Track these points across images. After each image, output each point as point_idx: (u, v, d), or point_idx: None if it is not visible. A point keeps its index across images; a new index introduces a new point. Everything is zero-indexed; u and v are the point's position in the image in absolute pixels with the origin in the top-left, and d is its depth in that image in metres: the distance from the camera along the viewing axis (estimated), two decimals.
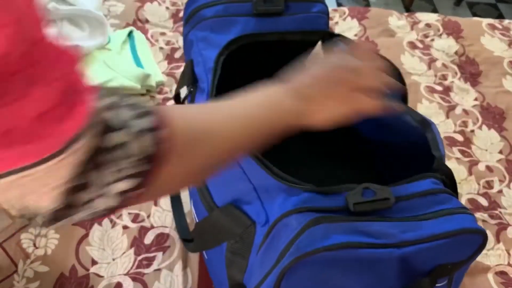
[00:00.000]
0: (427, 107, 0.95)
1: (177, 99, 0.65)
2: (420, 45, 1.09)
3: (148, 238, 0.70)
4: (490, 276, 0.71)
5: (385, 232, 0.40)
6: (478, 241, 0.43)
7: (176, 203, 0.69)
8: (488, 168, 0.86)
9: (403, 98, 0.65)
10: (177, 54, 1.00)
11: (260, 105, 0.38)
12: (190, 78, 0.62)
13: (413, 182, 0.45)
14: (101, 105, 0.24)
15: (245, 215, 0.48)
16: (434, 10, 2.07)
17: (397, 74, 0.64)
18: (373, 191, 0.42)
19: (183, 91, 0.65)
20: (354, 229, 0.40)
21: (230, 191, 0.51)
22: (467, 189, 0.82)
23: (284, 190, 0.45)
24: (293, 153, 0.74)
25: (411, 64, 1.04)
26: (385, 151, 0.65)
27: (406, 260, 0.42)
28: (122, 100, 0.26)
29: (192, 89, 0.61)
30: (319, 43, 0.65)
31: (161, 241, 0.70)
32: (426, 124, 0.52)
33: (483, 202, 0.81)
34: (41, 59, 0.21)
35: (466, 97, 0.99)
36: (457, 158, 0.87)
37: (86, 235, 0.69)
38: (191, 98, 0.61)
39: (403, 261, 0.42)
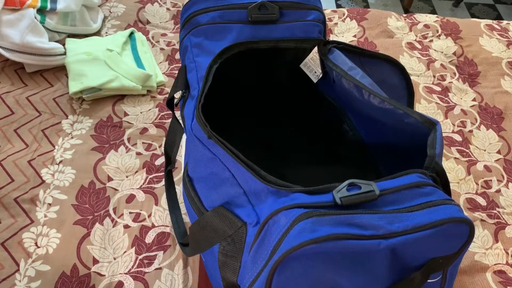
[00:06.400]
0: (425, 108, 0.96)
1: (170, 103, 0.65)
2: (418, 46, 1.10)
3: (149, 237, 0.71)
4: (489, 275, 0.71)
5: (372, 224, 0.40)
6: (466, 232, 0.44)
7: (173, 208, 0.70)
8: (487, 168, 0.87)
9: (409, 99, 0.66)
10: (178, 55, 1.01)
11: None
12: (182, 84, 0.62)
13: (399, 177, 0.46)
14: None
15: (236, 217, 0.49)
16: (433, 11, 2.08)
17: (402, 72, 0.64)
18: (359, 186, 0.42)
19: (177, 96, 0.65)
20: (341, 221, 0.40)
21: (220, 196, 0.52)
22: (466, 188, 0.83)
23: (273, 193, 0.45)
24: (294, 155, 0.75)
25: (410, 65, 1.05)
26: (387, 153, 0.65)
27: (396, 253, 0.42)
28: None
29: (184, 94, 0.62)
30: (315, 49, 0.65)
31: (162, 240, 0.70)
32: (431, 124, 0.53)
33: (482, 201, 0.81)
34: None
35: (464, 98, 1.00)
36: (456, 158, 0.87)
37: (87, 234, 0.70)
38: (183, 103, 0.62)
39: (393, 254, 0.42)
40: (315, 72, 0.67)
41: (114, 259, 0.68)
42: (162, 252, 0.69)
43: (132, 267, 0.67)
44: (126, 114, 0.87)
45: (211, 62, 0.59)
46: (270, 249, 0.41)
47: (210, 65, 0.58)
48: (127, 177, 0.78)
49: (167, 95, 0.92)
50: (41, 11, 0.93)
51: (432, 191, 0.45)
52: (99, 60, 0.90)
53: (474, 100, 0.99)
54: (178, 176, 0.79)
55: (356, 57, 0.65)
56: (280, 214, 0.42)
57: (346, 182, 0.43)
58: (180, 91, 0.63)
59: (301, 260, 0.40)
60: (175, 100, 0.66)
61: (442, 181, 0.49)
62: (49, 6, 0.93)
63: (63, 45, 0.93)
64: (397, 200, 0.43)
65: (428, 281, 0.46)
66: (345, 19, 1.15)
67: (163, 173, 0.79)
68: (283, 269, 0.40)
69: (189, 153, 0.58)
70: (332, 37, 1.11)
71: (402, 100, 0.66)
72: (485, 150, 0.90)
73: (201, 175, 0.55)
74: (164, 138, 0.83)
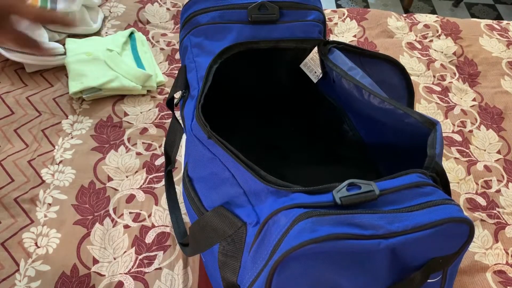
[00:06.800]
0: (425, 108, 0.96)
1: (170, 103, 0.65)
2: (418, 46, 1.10)
3: (149, 237, 0.71)
4: (489, 275, 0.71)
5: (372, 224, 0.40)
6: (466, 232, 0.44)
7: (173, 208, 0.70)
8: (487, 168, 0.87)
9: (409, 99, 0.66)
10: (178, 55, 1.01)
11: None
12: (182, 84, 0.62)
13: (399, 177, 0.46)
14: None
15: (236, 217, 0.49)
16: (433, 11, 2.08)
17: (402, 72, 0.64)
18: (359, 186, 0.42)
19: (177, 96, 0.65)
20: (341, 221, 0.40)
21: (220, 196, 0.52)
22: (466, 188, 0.83)
23: (273, 193, 0.45)
24: (294, 155, 0.75)
25: (410, 65, 1.05)
26: (387, 153, 0.65)
27: (396, 253, 0.42)
28: None
29: (184, 94, 0.62)
30: (315, 49, 0.65)
31: (162, 240, 0.70)
32: (431, 124, 0.53)
33: (482, 201, 0.81)
34: None
35: (464, 98, 1.00)
36: (456, 158, 0.87)
37: (87, 234, 0.70)
38: (183, 103, 0.62)
39: (393, 254, 0.42)
40: (315, 72, 0.67)
41: (114, 259, 0.68)
42: (162, 252, 0.69)
43: (132, 267, 0.67)
44: (126, 114, 0.87)
45: (211, 62, 0.59)
46: (270, 249, 0.41)
47: (210, 65, 0.58)
48: (127, 177, 0.78)
49: (167, 95, 0.92)
50: None
51: (432, 191, 0.45)
52: (99, 60, 0.90)
53: (474, 100, 0.99)
54: (178, 176, 0.79)
55: (356, 57, 0.65)
56: (280, 214, 0.42)
57: (346, 182, 0.43)
58: (180, 91, 0.63)
59: (301, 260, 0.40)
60: (175, 100, 0.66)
61: (442, 181, 0.49)
62: (49, 6, 0.93)
63: (63, 45, 0.93)
64: (397, 200, 0.43)
65: (428, 281, 0.46)
66: (345, 19, 1.15)
67: (163, 173, 0.79)
68: (283, 269, 0.40)
69: (189, 153, 0.58)
70: (332, 37, 1.11)
71: (402, 100, 0.66)
72: (485, 150, 0.90)
73: (201, 175, 0.55)
74: (164, 138, 0.83)
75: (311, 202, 0.42)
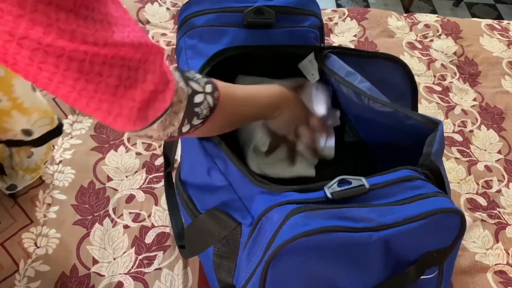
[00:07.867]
0: (426, 107, 0.96)
1: None
2: (419, 46, 1.10)
3: (149, 238, 0.70)
4: (489, 275, 0.71)
5: (363, 217, 0.41)
6: (457, 223, 0.44)
7: (173, 209, 0.69)
8: (487, 168, 0.86)
9: (413, 96, 0.66)
10: None
11: (268, 95, 0.55)
12: None
13: (390, 173, 0.46)
14: (183, 78, 0.43)
15: (231, 217, 0.49)
16: (433, 11, 2.08)
17: (404, 68, 0.64)
18: (349, 181, 0.43)
19: None
20: (333, 215, 0.41)
21: (213, 199, 0.52)
22: (466, 189, 0.83)
23: (265, 193, 0.46)
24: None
25: (410, 65, 1.04)
26: (388, 153, 0.65)
27: (389, 246, 0.43)
28: (193, 76, 0.45)
29: None
30: (311, 55, 0.65)
31: (161, 241, 0.70)
32: (433, 123, 0.53)
33: (482, 202, 0.81)
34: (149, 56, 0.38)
35: (465, 97, 0.99)
36: (456, 158, 0.87)
37: (87, 235, 0.70)
38: None
39: (386, 247, 0.43)
40: (312, 75, 0.67)
41: (114, 259, 0.68)
42: (162, 252, 0.69)
43: (132, 267, 0.67)
44: None
45: (203, 65, 0.58)
46: (264, 246, 0.41)
47: (202, 68, 0.58)
48: (126, 177, 0.78)
49: None
50: None
51: (422, 185, 0.46)
52: None
53: (474, 100, 0.99)
54: None
55: (354, 59, 0.65)
56: (272, 211, 0.43)
57: (337, 178, 0.43)
58: None
59: (295, 254, 0.40)
60: None
61: (436, 178, 0.49)
62: None
63: None
64: (388, 194, 0.44)
65: (425, 277, 0.47)
66: (345, 18, 1.15)
67: (163, 174, 0.79)
68: (276, 264, 0.40)
69: (185, 156, 0.58)
70: (332, 37, 1.11)
71: (404, 98, 0.66)
72: (485, 150, 0.90)
73: (196, 181, 0.55)
74: None
75: (303, 199, 0.42)
